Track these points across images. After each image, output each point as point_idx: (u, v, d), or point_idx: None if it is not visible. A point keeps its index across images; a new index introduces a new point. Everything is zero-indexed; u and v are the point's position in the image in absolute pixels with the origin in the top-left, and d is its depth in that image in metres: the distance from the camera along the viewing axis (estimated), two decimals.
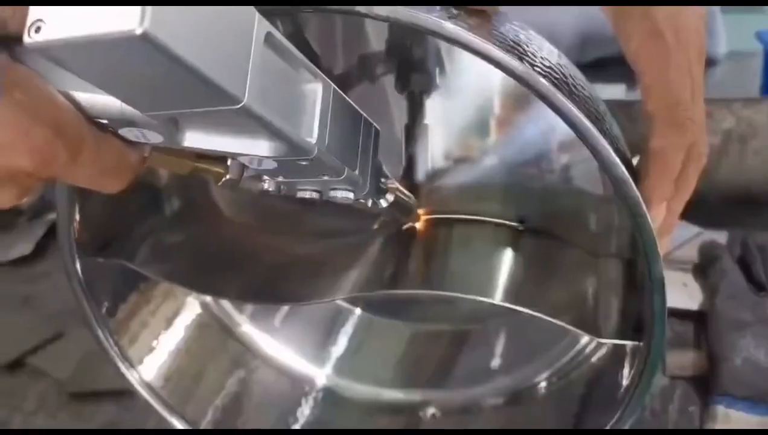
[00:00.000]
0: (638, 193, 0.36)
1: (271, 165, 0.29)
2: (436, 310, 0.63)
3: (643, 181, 0.39)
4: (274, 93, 0.25)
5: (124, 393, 0.65)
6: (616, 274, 0.46)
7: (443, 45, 0.45)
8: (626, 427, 0.43)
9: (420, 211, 0.49)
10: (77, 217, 0.46)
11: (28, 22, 0.21)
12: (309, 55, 0.44)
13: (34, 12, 0.21)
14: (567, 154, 0.49)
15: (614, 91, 0.96)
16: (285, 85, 0.26)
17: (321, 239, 0.53)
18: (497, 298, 0.46)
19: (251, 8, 0.23)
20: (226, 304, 0.58)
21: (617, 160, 0.35)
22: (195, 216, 0.53)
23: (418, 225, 0.50)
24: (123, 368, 0.51)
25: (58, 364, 0.71)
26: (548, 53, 0.38)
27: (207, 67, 0.22)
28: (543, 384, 0.55)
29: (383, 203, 0.38)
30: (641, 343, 0.41)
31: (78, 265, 0.47)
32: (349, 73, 0.47)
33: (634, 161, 0.42)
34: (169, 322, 0.55)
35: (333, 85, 0.29)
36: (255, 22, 0.23)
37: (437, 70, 0.48)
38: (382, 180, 0.37)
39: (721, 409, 0.55)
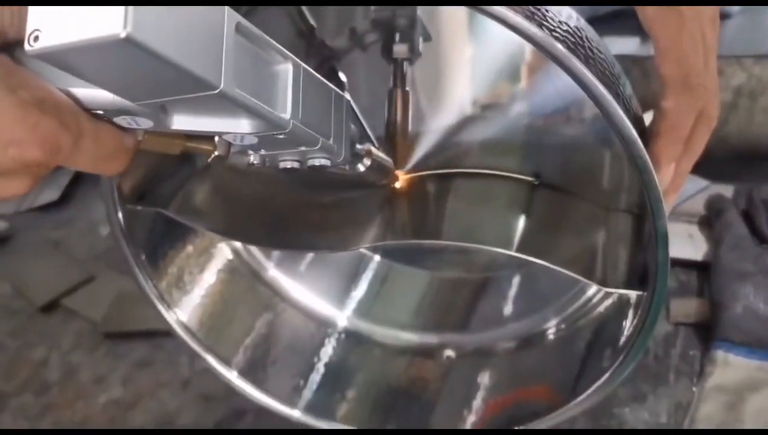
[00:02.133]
0: (646, 153, 0.37)
1: (253, 140, 0.32)
2: (453, 259, 0.65)
3: (653, 142, 0.41)
4: (248, 76, 0.28)
5: (155, 333, 0.69)
6: (624, 228, 0.48)
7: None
8: (629, 370, 0.46)
9: (401, 171, 0.51)
10: None
11: (28, 31, 0.24)
12: (306, 26, 0.46)
13: (32, 21, 0.24)
14: (583, 113, 0.51)
15: (628, 44, 0.96)
16: (258, 68, 0.29)
17: (343, 191, 0.55)
18: (512, 249, 0.48)
19: (220, 5, 0.26)
20: (254, 250, 0.61)
21: (628, 122, 0.36)
22: (225, 167, 0.55)
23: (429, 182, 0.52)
24: (162, 309, 0.54)
25: (91, 306, 0.75)
26: (567, 17, 0.40)
27: (185, 60, 0.24)
28: (552, 330, 0.58)
29: (361, 168, 0.41)
30: (645, 293, 0.44)
31: (120, 214, 0.50)
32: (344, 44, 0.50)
33: (647, 117, 0.44)
34: (202, 267, 0.58)
35: (303, 64, 0.31)
36: (225, 15, 0.26)
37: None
38: (358, 146, 0.40)
39: (720, 354, 0.58)
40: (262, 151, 0.35)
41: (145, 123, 0.30)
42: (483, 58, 0.54)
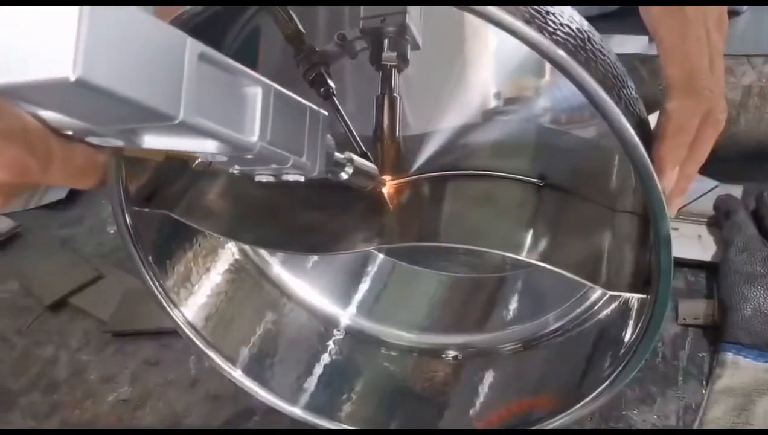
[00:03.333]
0: (647, 158, 0.37)
1: (222, 158, 0.33)
2: (459, 260, 0.65)
3: (657, 145, 0.40)
4: (212, 102, 0.28)
5: (163, 333, 0.69)
6: (630, 230, 0.48)
7: None
8: (635, 372, 0.46)
9: (390, 176, 0.51)
10: (124, 171, 0.49)
11: None
12: (295, 33, 0.46)
13: None
14: (589, 114, 0.51)
15: (636, 42, 0.96)
16: (224, 94, 0.29)
17: (347, 192, 0.55)
18: (517, 252, 0.47)
19: (180, 33, 0.26)
20: (260, 249, 0.61)
21: (628, 126, 0.36)
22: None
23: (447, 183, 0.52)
24: (168, 308, 0.54)
25: (99, 304, 0.76)
26: (569, 19, 0.39)
27: (141, 94, 0.24)
28: (557, 332, 0.58)
29: (343, 176, 0.41)
30: (648, 296, 0.43)
31: (127, 216, 0.50)
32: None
33: (653, 118, 0.44)
34: (208, 266, 0.58)
35: (274, 85, 0.31)
36: (186, 45, 0.26)
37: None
38: (339, 155, 0.40)
39: (729, 356, 0.58)
40: (236, 167, 0.36)
41: (116, 142, 0.30)
42: (486, 60, 0.54)
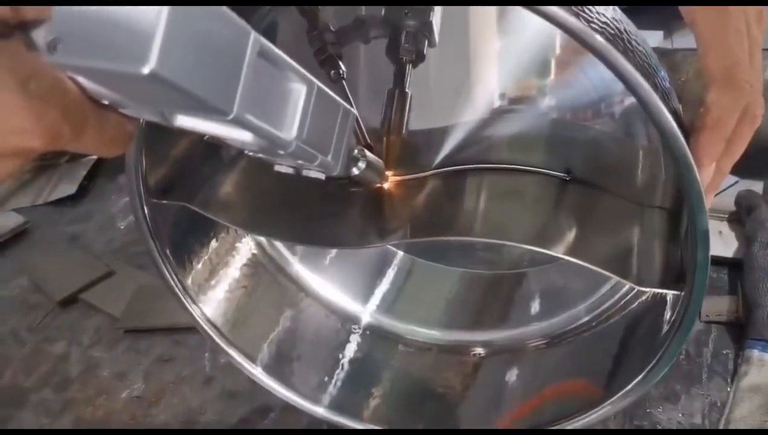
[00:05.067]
0: (687, 147, 0.36)
1: (253, 148, 0.33)
2: (480, 255, 0.65)
3: (695, 138, 0.39)
4: (261, 99, 0.28)
5: (176, 329, 0.68)
6: (660, 225, 0.47)
7: None
8: (668, 368, 0.45)
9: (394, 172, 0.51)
10: (143, 163, 0.48)
11: (48, 38, 0.24)
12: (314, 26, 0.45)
13: (56, 26, 0.24)
14: (617, 106, 0.50)
15: (652, 38, 0.95)
16: (272, 89, 0.29)
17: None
18: (544, 246, 0.46)
19: (246, 27, 0.26)
20: (279, 244, 0.60)
21: (668, 114, 0.35)
22: (250, 161, 0.54)
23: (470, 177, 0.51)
24: (186, 304, 0.53)
25: (110, 301, 0.75)
26: (603, 8, 0.39)
27: (203, 91, 0.25)
28: (584, 328, 0.57)
29: (355, 171, 0.40)
30: (682, 293, 0.42)
31: (146, 208, 0.49)
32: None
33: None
34: (227, 262, 0.57)
35: (317, 83, 0.32)
36: (250, 41, 0.26)
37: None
38: (354, 151, 0.40)
39: (755, 353, 0.57)
40: (260, 154, 0.35)
41: (149, 117, 0.30)
42: (512, 52, 0.53)
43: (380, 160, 0.44)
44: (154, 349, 0.68)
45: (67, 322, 0.73)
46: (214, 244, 0.56)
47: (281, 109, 0.30)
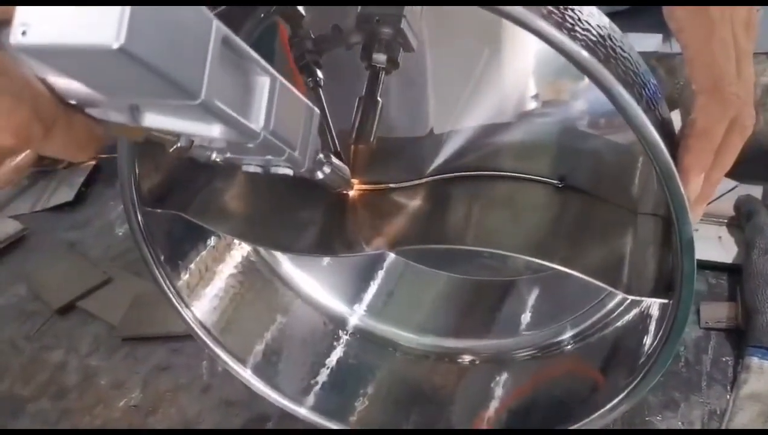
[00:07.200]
0: (669, 157, 0.35)
1: (221, 144, 0.33)
2: (472, 262, 0.64)
3: (683, 151, 0.38)
4: (227, 87, 0.29)
5: (174, 337, 0.68)
6: (651, 233, 0.47)
7: None
8: (655, 381, 0.44)
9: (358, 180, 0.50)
10: (137, 171, 0.48)
11: (16, 24, 0.24)
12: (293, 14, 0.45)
13: (21, 15, 0.24)
14: (611, 114, 0.50)
15: (650, 41, 0.95)
16: (237, 80, 0.30)
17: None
18: (537, 255, 0.46)
19: (209, 15, 0.27)
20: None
21: (649, 124, 0.34)
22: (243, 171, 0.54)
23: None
24: (179, 308, 0.54)
25: (108, 309, 0.74)
26: (588, 14, 0.38)
27: (171, 69, 0.25)
28: (573, 338, 0.57)
29: (319, 175, 0.41)
30: (670, 301, 0.42)
31: (140, 216, 0.49)
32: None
33: (673, 116, 0.42)
34: (219, 266, 0.58)
35: (279, 77, 0.32)
36: (213, 27, 0.27)
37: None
38: (320, 155, 0.40)
39: (755, 361, 0.56)
40: (228, 154, 0.36)
41: (117, 117, 0.30)
42: (505, 60, 0.53)
43: (345, 167, 0.44)
44: (152, 357, 0.68)
45: (64, 330, 0.73)
46: (208, 248, 0.57)
47: (247, 99, 0.31)
